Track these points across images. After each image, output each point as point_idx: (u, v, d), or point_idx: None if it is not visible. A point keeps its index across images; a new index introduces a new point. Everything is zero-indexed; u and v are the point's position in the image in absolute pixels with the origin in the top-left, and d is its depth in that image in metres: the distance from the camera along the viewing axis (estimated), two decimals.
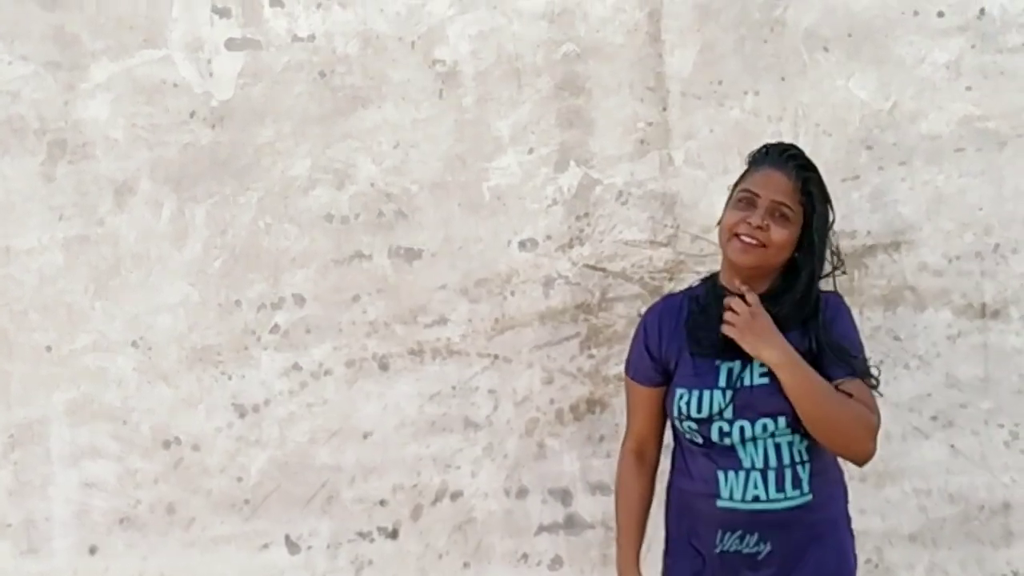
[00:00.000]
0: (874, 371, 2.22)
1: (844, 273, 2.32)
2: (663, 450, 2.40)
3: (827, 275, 2.27)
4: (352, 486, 2.86)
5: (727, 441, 2.19)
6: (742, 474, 2.19)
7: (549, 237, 2.82)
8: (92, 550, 2.86)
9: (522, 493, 2.86)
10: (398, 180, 2.82)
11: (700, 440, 2.22)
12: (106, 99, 2.81)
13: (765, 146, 2.28)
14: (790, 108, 2.79)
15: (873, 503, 2.82)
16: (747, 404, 2.18)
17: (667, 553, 2.35)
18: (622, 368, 2.48)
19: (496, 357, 2.84)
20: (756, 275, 2.21)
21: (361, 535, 2.86)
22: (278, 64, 2.81)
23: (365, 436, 2.85)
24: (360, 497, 2.86)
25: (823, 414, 2.12)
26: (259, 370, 2.84)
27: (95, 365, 2.83)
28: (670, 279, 2.80)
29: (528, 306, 2.83)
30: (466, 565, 2.87)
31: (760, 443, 2.18)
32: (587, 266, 2.83)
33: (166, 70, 2.81)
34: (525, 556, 2.87)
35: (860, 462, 2.22)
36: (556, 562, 2.87)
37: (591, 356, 2.84)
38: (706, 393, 2.20)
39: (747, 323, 2.15)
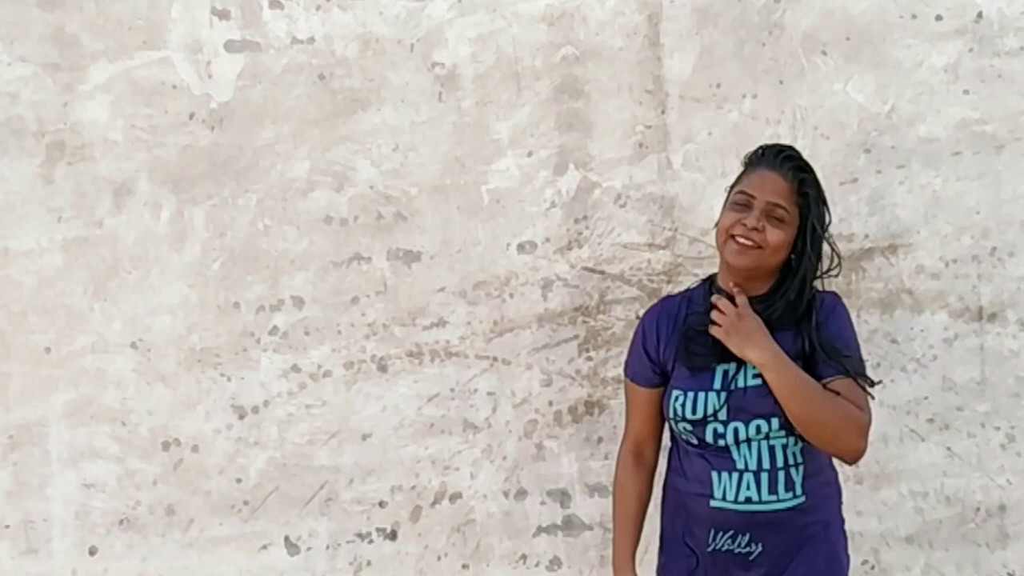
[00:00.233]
0: (870, 371, 2.24)
1: (838, 275, 2.33)
2: (661, 450, 2.41)
3: (821, 276, 2.28)
4: (351, 487, 2.86)
5: (721, 442, 2.21)
6: (735, 475, 2.21)
7: (548, 240, 2.83)
8: (91, 551, 2.86)
9: (521, 494, 2.87)
10: (397, 182, 2.82)
11: (695, 441, 2.24)
12: (105, 100, 2.81)
13: (761, 147, 2.29)
14: (788, 111, 2.79)
15: (870, 505, 2.83)
16: (741, 406, 2.19)
17: (662, 551, 2.37)
18: (620, 370, 2.49)
19: (495, 359, 2.85)
20: (753, 277, 2.22)
21: (360, 536, 2.87)
22: (277, 66, 2.81)
23: (364, 437, 2.86)
24: (359, 498, 2.86)
25: (810, 413, 2.13)
26: (258, 372, 2.84)
27: (94, 366, 2.83)
28: (668, 282, 2.81)
29: (527, 308, 2.83)
30: (465, 566, 2.87)
31: (754, 445, 2.20)
32: (586, 269, 2.84)
33: (165, 72, 2.81)
34: (524, 557, 2.88)
35: (850, 461, 2.23)
36: (555, 563, 2.88)
37: (589, 358, 2.84)
38: (701, 395, 2.22)
39: (733, 324, 2.16)
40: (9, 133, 2.81)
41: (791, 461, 2.21)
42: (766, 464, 2.20)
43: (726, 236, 2.21)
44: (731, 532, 2.21)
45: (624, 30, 2.80)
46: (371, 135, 2.82)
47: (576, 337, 2.84)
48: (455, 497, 2.87)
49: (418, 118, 2.81)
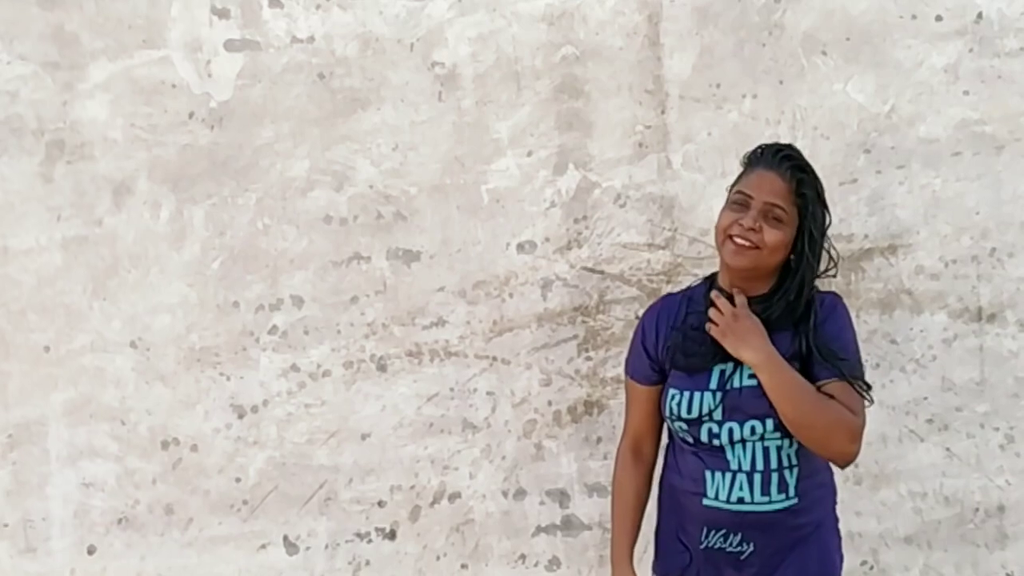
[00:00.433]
0: (869, 372, 2.23)
1: (835, 275, 2.32)
2: (660, 448, 2.41)
3: (820, 276, 2.27)
4: (350, 487, 2.86)
5: (716, 442, 2.21)
6: (729, 475, 2.21)
7: (547, 239, 2.83)
8: (90, 550, 2.86)
9: (520, 494, 2.87)
10: (397, 182, 2.82)
11: (691, 440, 2.25)
12: (105, 99, 2.81)
13: (760, 147, 2.28)
14: (788, 111, 2.79)
15: (869, 505, 2.83)
16: (736, 406, 2.19)
17: (657, 546, 2.38)
18: (620, 370, 2.50)
19: (494, 359, 2.85)
20: (752, 277, 2.22)
21: (359, 536, 2.87)
22: (277, 65, 2.81)
23: (363, 437, 2.86)
24: (358, 498, 2.86)
25: (801, 415, 2.13)
26: (257, 371, 2.84)
27: (93, 365, 2.83)
28: (668, 282, 2.81)
29: (526, 308, 2.83)
30: (464, 566, 2.87)
31: (749, 445, 2.20)
32: (585, 268, 2.84)
33: (165, 71, 2.81)
34: (523, 557, 2.88)
35: (842, 464, 2.23)
36: (554, 563, 2.88)
37: (589, 358, 2.84)
38: (696, 394, 2.22)
39: (729, 324, 2.17)
40: (9, 132, 2.81)
41: (785, 463, 2.21)
42: (760, 465, 2.20)
43: (724, 236, 2.21)
44: (723, 531, 2.22)
45: (624, 30, 2.80)
46: (371, 134, 2.82)
47: (575, 337, 2.84)
48: (454, 497, 2.87)
49: (418, 117, 2.81)
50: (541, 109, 2.81)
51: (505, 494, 2.87)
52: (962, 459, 2.83)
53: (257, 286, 2.84)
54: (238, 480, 2.85)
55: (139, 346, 2.83)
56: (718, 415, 2.20)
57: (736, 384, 2.20)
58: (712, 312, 2.19)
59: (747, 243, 2.17)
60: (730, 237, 2.19)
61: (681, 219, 2.82)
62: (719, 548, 2.23)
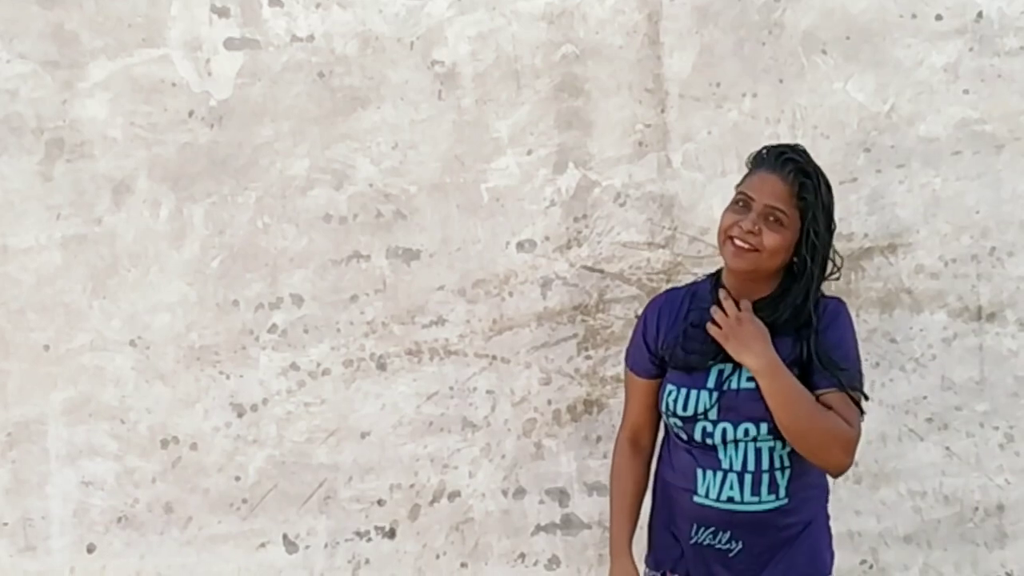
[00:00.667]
0: (866, 378, 2.22)
1: (838, 279, 2.32)
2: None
3: (825, 279, 2.27)
4: (350, 485, 2.86)
5: (709, 441, 2.22)
6: (719, 474, 2.22)
7: (547, 238, 2.83)
8: (90, 548, 2.86)
9: (519, 493, 2.87)
10: (396, 181, 2.82)
11: (684, 437, 2.25)
12: (104, 98, 2.81)
13: (765, 148, 2.28)
14: (788, 110, 2.79)
15: (868, 505, 2.83)
16: (731, 407, 2.20)
17: (650, 537, 2.39)
18: (619, 369, 2.50)
19: (494, 358, 2.85)
20: (753, 279, 2.22)
21: (359, 534, 2.87)
22: (277, 64, 2.80)
23: (363, 436, 2.86)
24: (358, 496, 2.86)
25: (799, 424, 2.13)
26: (257, 370, 2.84)
27: (93, 364, 2.83)
28: (667, 280, 2.81)
29: (526, 307, 2.83)
30: (463, 565, 2.87)
31: (741, 446, 2.21)
32: (585, 267, 2.84)
33: (165, 69, 2.80)
34: (522, 556, 2.88)
35: (834, 474, 2.24)
36: (553, 562, 2.88)
37: (588, 357, 2.84)
38: (693, 392, 2.22)
39: (733, 327, 2.16)
40: (8, 130, 2.80)
41: (777, 464, 2.21)
42: (751, 466, 2.21)
43: (724, 236, 2.21)
44: (712, 528, 2.24)
45: (624, 28, 2.80)
46: (370, 133, 2.81)
47: (575, 336, 2.84)
48: (454, 495, 2.87)
49: (418, 116, 2.81)
50: (541, 108, 2.81)
51: (505, 493, 2.87)
52: (962, 458, 2.83)
53: (257, 285, 2.84)
54: (238, 479, 2.85)
55: (139, 345, 2.83)
56: (713, 414, 2.20)
57: (734, 385, 2.20)
58: (716, 314, 2.19)
59: (746, 245, 2.16)
60: (730, 238, 2.19)
61: (681, 218, 2.82)
62: (708, 544, 2.24)
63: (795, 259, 2.21)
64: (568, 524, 2.87)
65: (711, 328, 2.19)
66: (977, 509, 2.84)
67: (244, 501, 2.86)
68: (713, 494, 2.22)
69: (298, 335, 2.84)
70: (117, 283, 2.82)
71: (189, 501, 2.85)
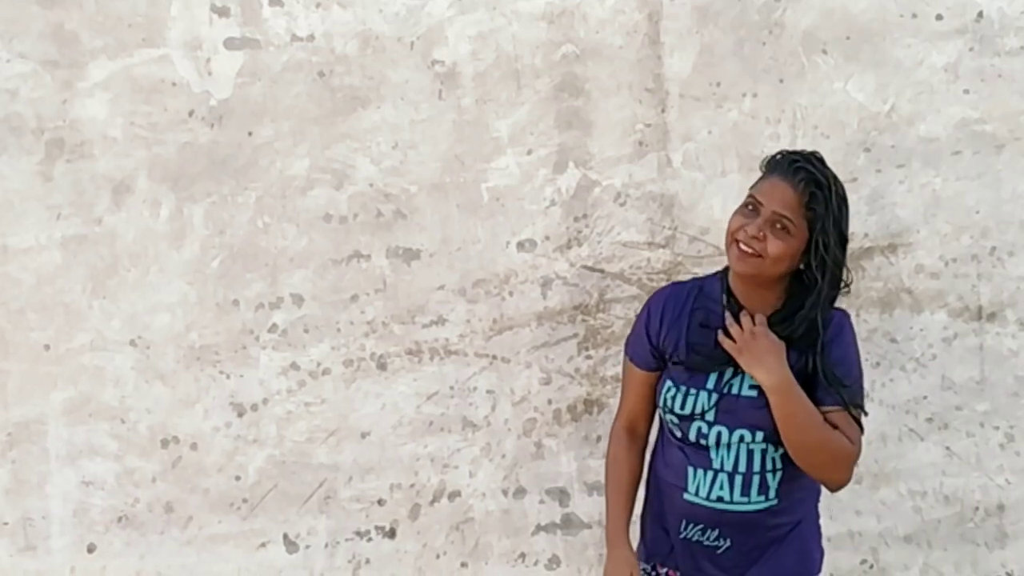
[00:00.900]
0: (867, 378, 2.22)
1: (847, 293, 2.27)
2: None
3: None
4: (350, 485, 2.86)
5: (703, 442, 2.22)
6: (710, 474, 2.23)
7: (547, 238, 2.82)
8: (90, 548, 2.86)
9: (520, 493, 2.87)
10: (397, 180, 2.82)
11: (678, 434, 2.26)
12: (104, 98, 2.80)
13: (780, 153, 2.25)
14: (788, 110, 2.79)
15: (868, 504, 2.83)
16: (729, 411, 2.20)
17: (643, 529, 2.40)
18: (620, 369, 2.49)
19: (494, 357, 2.84)
20: (756, 283, 2.21)
21: (359, 534, 2.87)
22: (277, 64, 2.80)
23: (363, 435, 2.86)
24: (358, 496, 2.86)
25: (805, 443, 2.14)
26: (257, 369, 2.84)
27: (93, 364, 2.83)
28: (668, 280, 2.80)
29: (526, 307, 2.83)
30: (463, 564, 2.87)
31: (734, 448, 2.21)
32: (585, 267, 2.84)
33: (165, 69, 2.80)
34: (523, 556, 2.88)
35: (832, 489, 2.26)
36: (553, 562, 2.88)
37: (589, 357, 2.84)
38: (692, 392, 2.23)
39: (747, 343, 2.15)
40: (8, 130, 2.80)
41: (769, 466, 2.22)
42: (742, 467, 2.21)
43: (731, 239, 2.20)
44: (701, 525, 2.25)
45: (624, 28, 2.80)
46: (371, 133, 2.81)
47: (575, 335, 2.84)
48: (454, 495, 2.87)
49: (418, 116, 2.81)
50: (541, 107, 2.81)
51: (505, 493, 2.87)
52: (962, 458, 2.84)
53: (257, 284, 2.83)
54: (238, 478, 2.85)
55: (139, 345, 2.83)
56: (710, 416, 2.21)
57: (735, 390, 2.20)
58: (732, 327, 2.17)
59: (750, 250, 2.15)
60: (736, 241, 2.18)
61: (681, 218, 2.82)
62: (697, 541, 2.26)
63: (802, 267, 2.19)
64: (568, 524, 2.87)
65: (724, 341, 2.17)
66: (977, 509, 2.85)
67: (244, 501, 2.86)
68: (703, 493, 2.23)
69: (298, 335, 2.84)
70: (117, 283, 2.82)
71: (189, 501, 2.85)
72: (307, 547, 2.87)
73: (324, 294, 2.83)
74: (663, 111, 2.81)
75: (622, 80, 2.80)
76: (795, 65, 2.79)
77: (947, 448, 2.83)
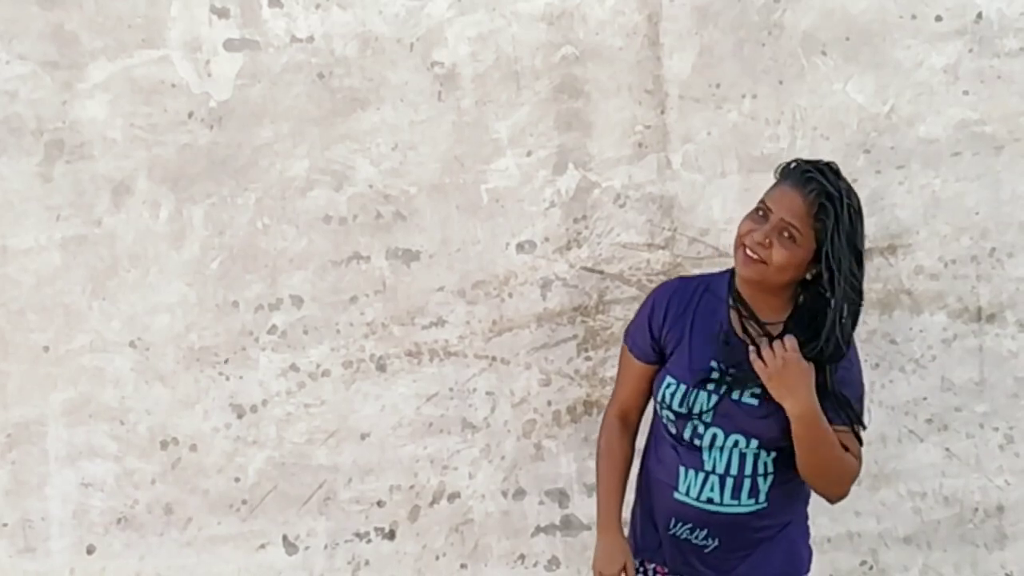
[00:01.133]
0: (866, 378, 2.22)
1: (860, 307, 2.21)
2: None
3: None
4: (349, 487, 2.86)
5: (697, 442, 2.23)
6: (701, 475, 2.23)
7: (547, 239, 2.82)
8: (89, 550, 2.86)
9: (519, 494, 2.87)
10: (396, 182, 2.82)
11: (673, 431, 2.26)
12: (104, 99, 2.80)
13: (795, 160, 2.23)
14: (788, 111, 2.79)
15: (868, 505, 2.83)
16: (728, 415, 2.20)
17: (632, 523, 2.40)
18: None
19: (494, 359, 2.84)
20: (761, 288, 2.21)
21: (358, 535, 2.87)
22: (277, 65, 2.80)
23: (363, 437, 2.85)
24: (357, 498, 2.86)
25: (818, 465, 2.17)
26: (257, 371, 2.84)
27: (92, 365, 2.83)
28: None
29: (526, 308, 2.83)
30: (463, 566, 2.87)
31: (727, 452, 2.21)
32: (585, 268, 2.84)
33: (164, 70, 2.80)
34: (522, 557, 2.88)
35: (831, 501, 2.29)
36: (553, 563, 2.88)
37: (588, 358, 2.84)
38: (692, 391, 2.22)
39: (779, 369, 2.12)
40: (8, 131, 2.80)
41: (760, 470, 2.23)
42: (734, 470, 2.22)
43: (739, 242, 2.20)
44: (689, 524, 2.26)
45: (624, 30, 2.80)
46: (370, 134, 2.81)
47: (575, 337, 2.84)
48: (453, 497, 2.87)
49: (417, 117, 2.81)
50: (540, 109, 2.81)
51: (504, 494, 2.87)
52: (961, 459, 2.84)
53: (256, 286, 2.83)
54: (237, 480, 2.85)
55: (138, 346, 2.83)
56: (708, 417, 2.21)
57: (735, 396, 2.20)
58: (764, 352, 2.14)
59: (755, 256, 2.15)
60: (743, 246, 2.18)
61: (680, 219, 2.82)
62: (685, 539, 2.27)
63: (809, 277, 2.18)
64: (568, 525, 2.87)
65: (756, 363, 2.14)
66: (977, 510, 2.84)
67: (244, 502, 2.86)
68: (693, 493, 2.23)
69: (298, 336, 2.84)
70: (117, 284, 2.82)
71: (189, 502, 2.85)
72: (306, 548, 2.87)
73: (324, 295, 2.83)
74: (663, 112, 2.81)
75: (622, 81, 2.80)
76: (795, 66, 2.79)
77: (947, 449, 2.83)
